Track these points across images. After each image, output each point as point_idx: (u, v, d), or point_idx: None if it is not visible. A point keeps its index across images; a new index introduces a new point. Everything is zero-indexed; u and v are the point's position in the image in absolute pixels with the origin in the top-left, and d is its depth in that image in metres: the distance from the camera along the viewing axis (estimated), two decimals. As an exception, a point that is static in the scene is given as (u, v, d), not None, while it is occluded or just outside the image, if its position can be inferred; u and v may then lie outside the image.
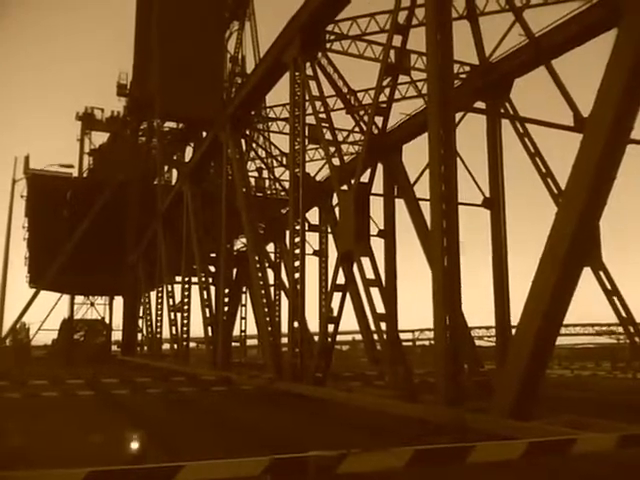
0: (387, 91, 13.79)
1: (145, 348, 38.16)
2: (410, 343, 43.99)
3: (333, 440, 7.18)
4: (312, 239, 26.13)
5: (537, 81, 16.33)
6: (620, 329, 20.02)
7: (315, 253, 27.33)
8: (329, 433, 8.45)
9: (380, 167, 15.88)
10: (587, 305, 14.71)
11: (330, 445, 3.83)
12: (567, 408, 8.68)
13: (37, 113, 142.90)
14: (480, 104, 16.22)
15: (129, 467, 3.51)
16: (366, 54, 18.01)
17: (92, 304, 49.21)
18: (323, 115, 15.07)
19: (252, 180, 27.96)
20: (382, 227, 17.36)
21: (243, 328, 36.97)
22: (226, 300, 23.17)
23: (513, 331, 14.50)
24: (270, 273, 25.09)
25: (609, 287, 13.57)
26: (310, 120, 15.53)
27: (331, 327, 14.18)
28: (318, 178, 24.44)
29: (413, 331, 48.71)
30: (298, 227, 15.62)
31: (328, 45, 16.77)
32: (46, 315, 44.70)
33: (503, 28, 15.25)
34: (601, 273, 13.61)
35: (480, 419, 7.93)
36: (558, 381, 16.88)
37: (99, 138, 51.62)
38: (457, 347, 9.51)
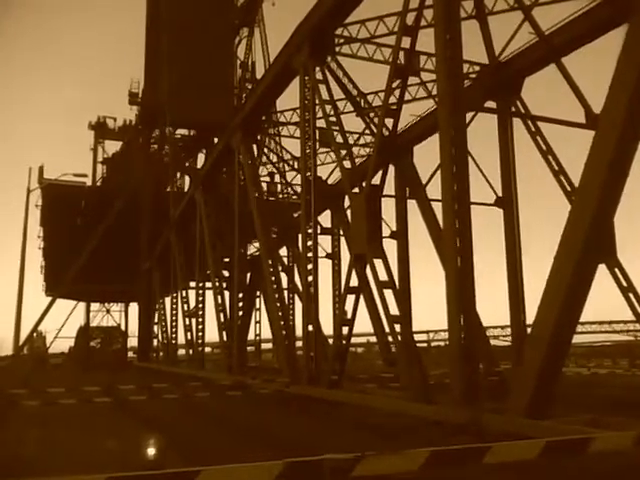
0: (397, 93, 13.78)
1: (161, 354, 38.34)
2: (425, 344, 43.87)
3: (349, 443, 7.17)
4: (324, 242, 26.16)
5: (548, 79, 16.27)
6: (637, 326, 19.82)
7: (328, 256, 27.33)
8: (345, 436, 8.44)
9: (391, 169, 15.86)
10: (603, 302, 14.59)
11: (346, 448, 3.83)
12: (584, 407, 8.62)
13: (50, 123, 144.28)
14: (491, 103, 16.15)
15: (147, 473, 3.53)
16: (375, 57, 18.04)
17: (108, 311, 49.54)
18: (333, 118, 15.09)
19: (264, 185, 28.02)
20: (394, 229, 17.34)
21: (258, 332, 37.04)
22: (240, 305, 23.23)
23: (528, 330, 14.44)
24: (283, 277, 25.13)
25: (625, 284, 13.42)
26: (320, 123, 15.56)
27: (345, 330, 14.16)
28: (330, 181, 24.48)
29: (428, 332, 48.64)
30: (310, 230, 15.62)
31: (337, 49, 16.80)
32: (62, 323, 45.10)
33: (512, 27, 15.20)
34: (616, 270, 13.48)
35: (496, 419, 7.89)
36: (575, 379, 16.73)
37: (112, 147, 52.08)
38: (472, 347, 9.47)
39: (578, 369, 21.00)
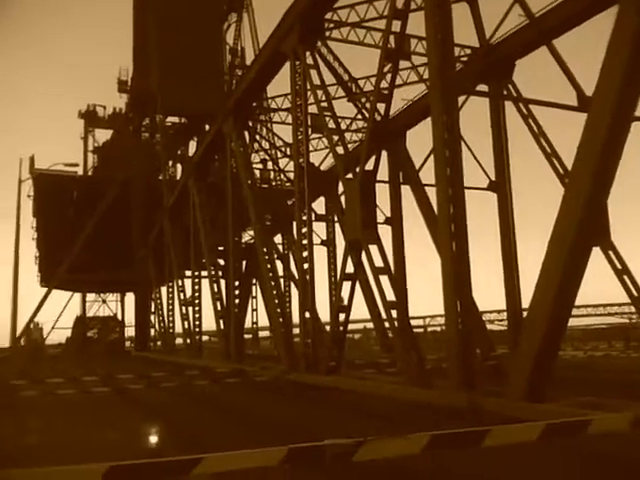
0: (388, 77, 13.74)
1: (158, 343, 38.42)
2: (421, 330, 44.05)
3: (348, 428, 7.22)
4: (319, 229, 26.17)
5: (539, 61, 16.24)
6: (632, 308, 19.95)
7: (323, 243, 27.36)
8: (344, 421, 8.50)
9: (384, 154, 15.84)
10: (597, 285, 14.67)
11: (345, 433, 3.86)
12: (581, 389, 8.70)
13: (40, 113, 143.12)
14: (482, 87, 16.13)
15: (149, 461, 3.55)
16: (366, 41, 17.95)
17: (104, 301, 49.54)
18: (325, 104, 15.05)
19: (257, 172, 27.96)
20: (388, 214, 17.36)
21: (255, 320, 37.15)
22: (236, 292, 23.27)
23: (524, 314, 14.52)
24: (279, 264, 25.15)
25: (619, 266, 13.51)
26: (312, 109, 15.51)
27: (342, 316, 14.23)
28: (323, 167, 24.43)
29: (424, 317, 48.82)
30: (305, 217, 15.62)
31: (327, 33, 16.71)
32: (59, 314, 45.06)
33: (503, 9, 15.13)
34: (610, 252, 13.55)
35: (494, 402, 7.96)
36: (571, 362, 16.87)
37: (103, 136, 51.75)
38: (469, 332, 9.54)
39: (574, 352, 21.15)
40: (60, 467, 3.41)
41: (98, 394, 13.25)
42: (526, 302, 14.85)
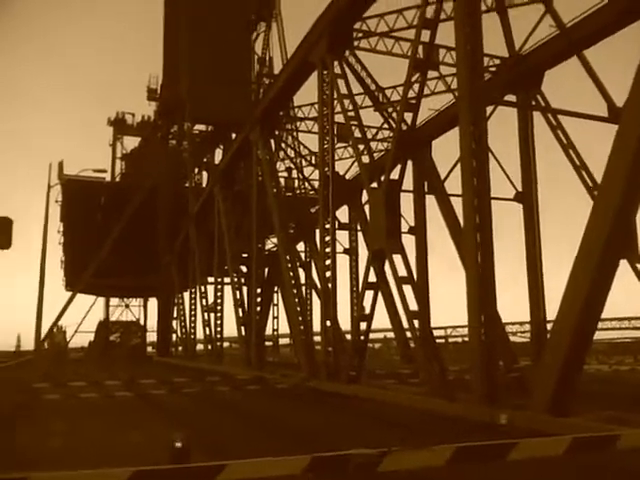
0: (416, 87, 13.72)
1: (180, 349, 38.63)
2: (442, 340, 43.65)
3: (369, 438, 7.17)
4: (342, 237, 26.12)
5: (569, 72, 16.08)
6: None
7: (345, 251, 27.30)
8: (365, 430, 8.44)
9: (409, 164, 15.80)
10: (623, 298, 14.39)
11: (367, 443, 3.82)
12: (606, 404, 8.54)
13: (70, 119, 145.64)
14: (511, 97, 16.02)
15: (173, 466, 3.56)
16: (394, 50, 17.92)
17: (127, 306, 50.04)
18: (352, 113, 15.06)
19: (282, 180, 28.06)
20: (412, 224, 17.27)
21: (275, 327, 37.20)
22: (258, 300, 23.33)
23: (548, 326, 14.32)
24: (301, 272, 25.17)
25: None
26: (339, 118, 15.54)
27: (363, 325, 14.17)
28: (347, 176, 24.42)
29: (445, 328, 48.38)
30: (328, 226, 15.62)
31: (356, 43, 16.74)
32: (82, 318, 45.59)
33: (533, 20, 15.04)
34: (638, 265, 13.32)
35: (519, 416, 7.84)
36: (596, 376, 16.57)
37: (131, 143, 52.50)
38: (492, 343, 9.43)
39: (599, 366, 20.77)
40: (84, 471, 3.42)
41: (121, 398, 13.33)
42: (550, 314, 14.70)
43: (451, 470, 3.99)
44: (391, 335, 30.72)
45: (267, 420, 10.22)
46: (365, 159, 15.40)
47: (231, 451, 6.41)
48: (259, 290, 23.54)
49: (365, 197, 18.72)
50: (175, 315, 39.44)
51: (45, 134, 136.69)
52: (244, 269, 26.70)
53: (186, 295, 36.32)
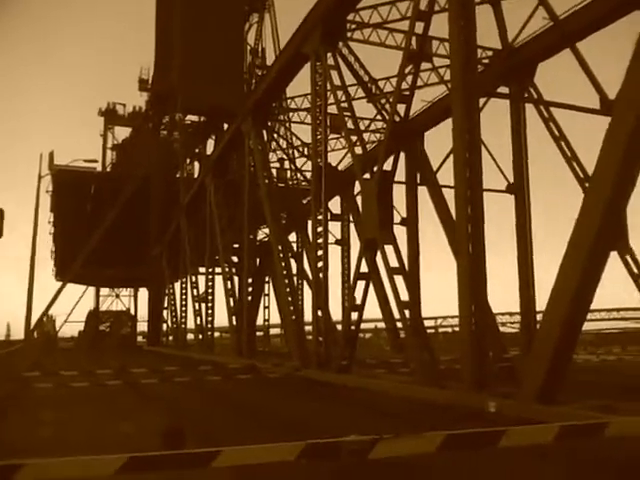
0: (409, 78, 13.72)
1: (170, 338, 38.64)
2: (432, 330, 43.86)
3: (361, 426, 7.22)
4: (333, 228, 26.14)
5: (562, 64, 16.13)
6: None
7: (337, 242, 27.34)
8: (357, 420, 8.50)
9: (402, 155, 15.82)
10: (611, 289, 14.52)
11: (358, 431, 3.86)
12: (595, 393, 8.63)
13: (61, 109, 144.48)
14: (504, 89, 16.05)
15: (168, 453, 3.59)
16: (387, 42, 17.89)
17: (117, 296, 49.94)
18: (345, 104, 15.05)
19: (274, 171, 28.02)
20: (404, 215, 17.32)
21: (266, 317, 37.27)
22: (250, 290, 23.36)
23: (538, 317, 14.44)
24: (293, 263, 25.20)
25: (635, 270, 13.42)
26: (332, 110, 15.53)
27: (355, 315, 14.24)
28: (340, 167, 24.44)
29: (435, 318, 48.64)
30: (320, 217, 15.65)
31: (349, 34, 16.70)
32: (72, 307, 45.47)
33: (526, 12, 15.05)
34: (628, 257, 13.46)
35: (508, 404, 7.93)
36: (584, 366, 16.75)
37: (122, 133, 52.19)
38: (482, 333, 9.52)
39: (587, 356, 20.97)
40: (79, 457, 3.44)
41: (112, 387, 13.34)
42: (540, 305, 14.82)
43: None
44: (382, 325, 30.84)
45: (258, 409, 10.27)
46: (358, 150, 15.41)
47: (223, 440, 6.44)
48: (250, 280, 23.57)
49: (357, 188, 18.79)
50: (166, 305, 39.41)
51: (35, 124, 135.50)
52: (235, 259, 26.71)
53: (177, 285, 36.30)
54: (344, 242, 27.45)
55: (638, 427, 4.50)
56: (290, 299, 18.80)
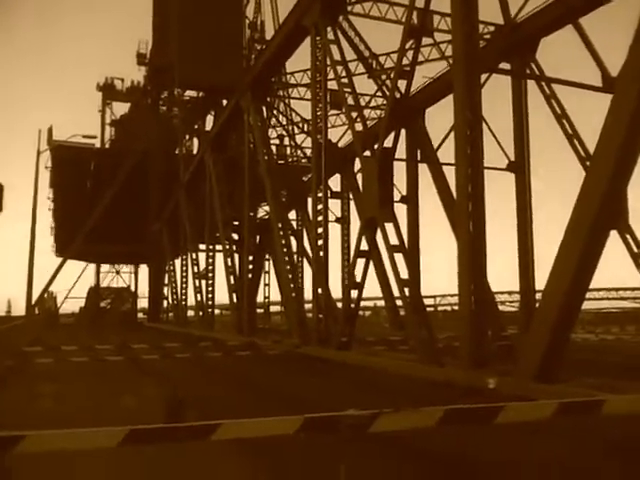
0: (410, 54, 13.58)
1: (170, 315, 38.80)
2: (432, 309, 44.06)
3: (362, 402, 7.28)
4: (334, 206, 26.13)
5: (564, 40, 15.96)
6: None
7: (337, 220, 27.34)
8: (357, 396, 8.57)
9: (403, 132, 15.72)
10: (611, 269, 14.53)
11: (359, 407, 3.88)
12: (593, 372, 8.69)
13: (59, 84, 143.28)
14: (505, 65, 15.90)
15: (168, 425, 3.61)
16: (388, 16, 17.70)
17: (118, 272, 50.00)
18: (345, 80, 14.91)
19: (274, 148, 27.88)
20: (404, 193, 17.28)
21: (267, 295, 37.42)
22: (250, 267, 23.39)
23: (537, 296, 14.47)
24: (293, 240, 25.22)
25: (635, 250, 13.41)
26: (332, 85, 15.39)
27: (355, 293, 14.28)
28: (340, 144, 24.32)
29: (434, 297, 48.80)
30: (321, 194, 15.60)
31: (349, 8, 16.49)
32: (73, 284, 45.59)
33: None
34: (627, 236, 13.44)
35: (507, 382, 7.98)
36: (583, 345, 16.83)
37: (120, 108, 51.78)
38: (481, 311, 9.55)
39: (586, 335, 21.07)
40: (81, 429, 3.46)
41: (113, 362, 13.42)
42: (539, 284, 14.85)
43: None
44: (381, 303, 30.96)
45: (258, 385, 10.35)
46: (358, 127, 15.30)
47: (223, 414, 6.50)
48: (251, 257, 23.60)
49: (358, 165, 18.69)
50: (166, 282, 39.49)
51: (33, 100, 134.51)
52: (236, 237, 26.71)
53: (177, 262, 36.34)
54: (344, 220, 27.46)
55: (635, 405, 4.53)
56: (290, 277, 18.84)
